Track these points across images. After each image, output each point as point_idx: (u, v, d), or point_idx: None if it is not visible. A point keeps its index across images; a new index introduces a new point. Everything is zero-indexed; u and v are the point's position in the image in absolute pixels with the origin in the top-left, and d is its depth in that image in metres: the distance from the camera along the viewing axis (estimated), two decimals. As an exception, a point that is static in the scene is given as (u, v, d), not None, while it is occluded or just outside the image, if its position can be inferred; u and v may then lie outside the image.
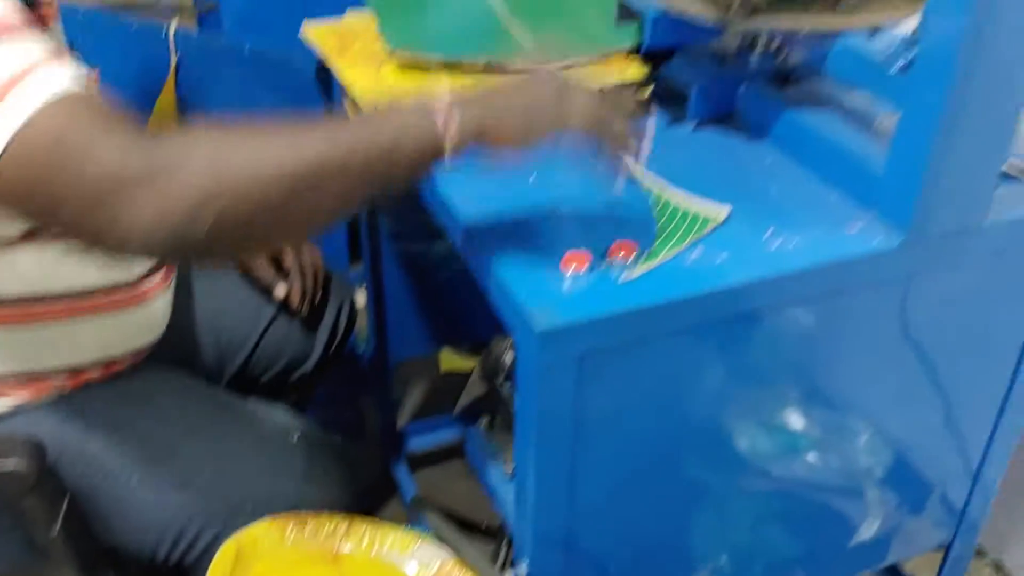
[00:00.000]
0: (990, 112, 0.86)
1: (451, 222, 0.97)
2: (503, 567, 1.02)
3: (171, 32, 1.32)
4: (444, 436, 1.79)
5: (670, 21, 1.04)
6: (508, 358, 1.12)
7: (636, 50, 1.15)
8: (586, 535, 0.97)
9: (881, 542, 1.24)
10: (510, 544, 1.06)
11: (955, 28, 0.80)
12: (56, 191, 0.70)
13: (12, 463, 0.91)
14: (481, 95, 0.80)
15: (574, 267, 0.85)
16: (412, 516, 1.49)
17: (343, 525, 1.01)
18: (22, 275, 0.96)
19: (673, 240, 0.90)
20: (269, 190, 0.71)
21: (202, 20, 2.06)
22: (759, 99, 1.08)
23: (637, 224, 0.92)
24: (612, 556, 1.03)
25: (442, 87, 0.80)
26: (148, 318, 1.08)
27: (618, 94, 0.87)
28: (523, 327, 0.82)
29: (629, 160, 0.89)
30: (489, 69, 1.12)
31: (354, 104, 1.09)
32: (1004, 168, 1.02)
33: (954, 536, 1.29)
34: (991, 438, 1.20)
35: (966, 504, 1.25)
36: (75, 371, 1.03)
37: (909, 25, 0.96)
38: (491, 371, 1.13)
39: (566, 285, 0.84)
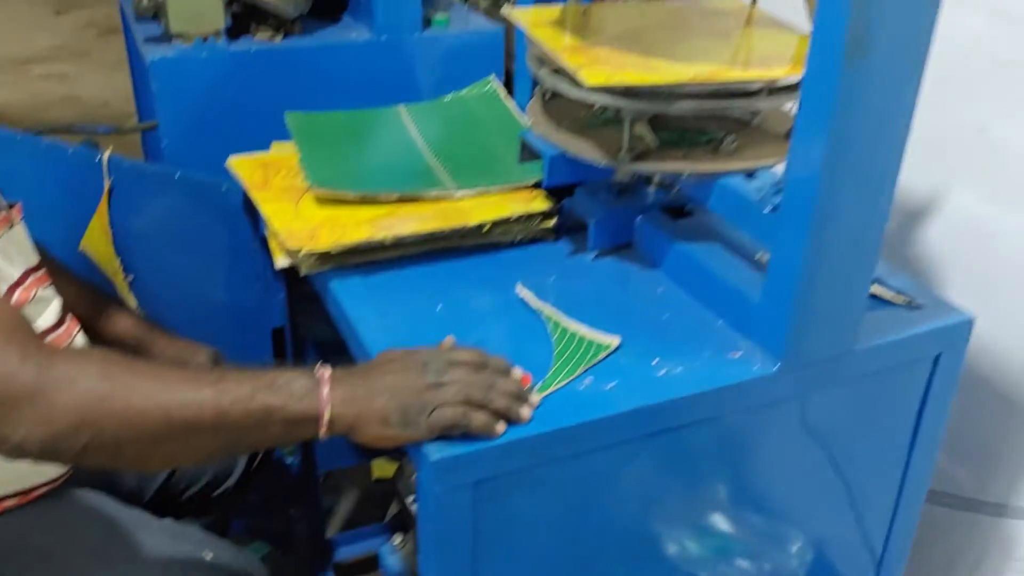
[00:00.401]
0: (848, 250, 0.95)
1: (359, 350, 1.03)
2: None
3: (105, 158, 1.38)
4: (373, 545, 1.80)
5: (566, 161, 1.13)
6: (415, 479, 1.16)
7: (540, 184, 1.23)
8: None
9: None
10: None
11: (810, 177, 0.89)
12: None
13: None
14: (360, 378, 0.86)
15: (470, 397, 0.91)
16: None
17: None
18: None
19: (567, 369, 0.97)
20: (143, 431, 0.79)
21: (144, 138, 2.14)
22: (653, 231, 1.17)
23: (532, 357, 0.99)
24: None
25: (323, 369, 0.86)
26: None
27: (497, 361, 0.92)
28: (419, 455, 0.88)
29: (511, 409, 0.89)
30: (403, 200, 1.20)
31: (275, 234, 1.15)
32: (878, 293, 1.11)
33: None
34: (889, 533, 1.25)
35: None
36: (-9, 500, 1.06)
37: (781, 169, 1.05)
38: (404, 489, 1.17)
39: (462, 415, 0.90)
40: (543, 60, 1.11)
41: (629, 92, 1.03)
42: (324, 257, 1.10)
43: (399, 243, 1.12)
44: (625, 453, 0.96)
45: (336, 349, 1.54)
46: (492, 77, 1.48)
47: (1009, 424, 1.52)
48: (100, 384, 0.78)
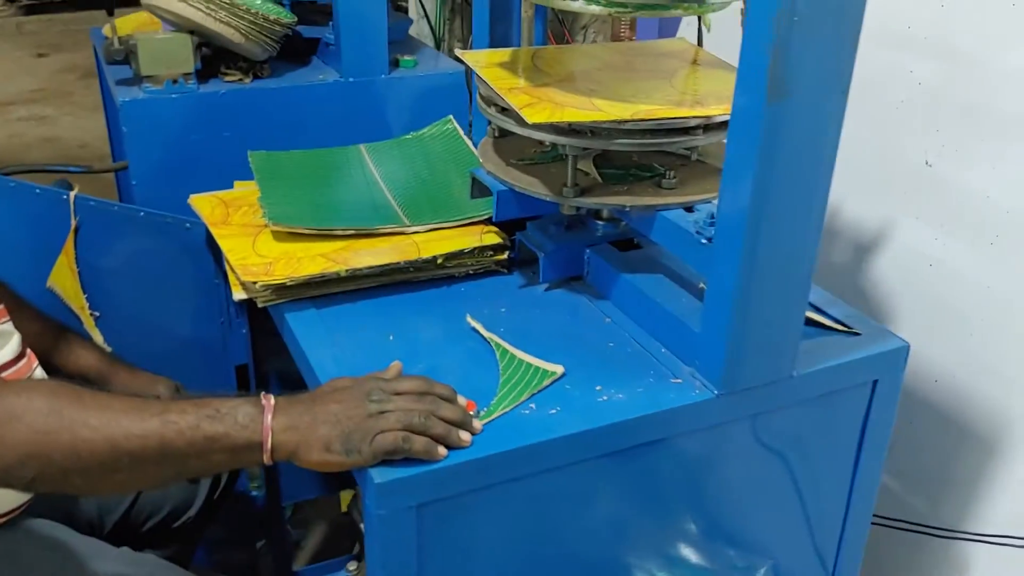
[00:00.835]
0: (780, 279, 0.99)
1: (310, 379, 1.06)
2: None
3: (71, 197, 1.41)
4: (340, 577, 1.82)
5: (515, 196, 1.17)
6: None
7: (491, 219, 1.27)
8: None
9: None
10: None
11: (739, 211, 0.94)
12: None
13: None
14: (305, 406, 0.90)
15: (415, 423, 0.94)
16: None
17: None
18: None
19: (512, 396, 1.00)
20: (90, 462, 0.82)
21: (118, 178, 2.18)
22: (601, 264, 1.21)
23: (479, 384, 1.02)
24: None
25: (268, 397, 0.89)
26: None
27: (442, 389, 0.95)
28: (365, 479, 0.90)
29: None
30: (359, 235, 1.23)
31: (232, 268, 1.19)
32: (818, 321, 1.15)
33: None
34: (838, 555, 1.27)
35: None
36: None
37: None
38: (358, 517, 1.20)
39: (406, 440, 0.93)
40: (491, 100, 1.16)
41: (571, 130, 1.08)
42: (280, 289, 1.13)
43: (354, 276, 1.16)
44: (568, 477, 0.99)
45: (300, 385, 1.57)
46: (451, 117, 1.52)
47: (959, 450, 1.56)
48: (47, 419, 0.81)
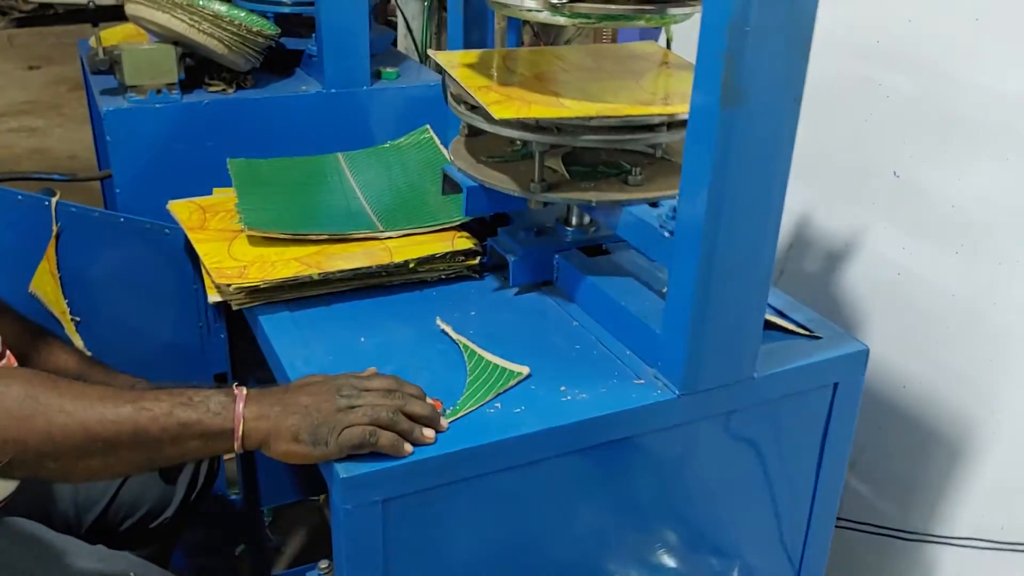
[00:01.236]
0: (738, 282, 1.02)
1: (282, 379, 1.08)
2: None
3: (53, 204, 1.44)
4: (318, 581, 1.83)
5: (484, 192, 1.20)
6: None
7: (465, 226, 1.30)
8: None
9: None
10: None
11: (696, 215, 0.96)
12: None
13: None
14: (276, 397, 0.93)
15: (382, 420, 0.96)
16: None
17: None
18: None
19: (478, 396, 1.03)
20: (64, 447, 0.85)
21: (103, 187, 2.21)
22: (570, 268, 1.23)
23: (447, 384, 1.04)
24: None
25: (240, 388, 0.92)
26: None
27: (411, 388, 0.98)
28: (331, 473, 0.93)
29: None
30: (332, 240, 1.26)
31: (207, 272, 1.21)
32: (779, 324, 1.18)
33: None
34: (802, 556, 1.29)
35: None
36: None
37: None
38: (328, 514, 1.21)
39: (372, 436, 0.95)
40: (460, 98, 1.19)
41: (538, 126, 1.11)
42: (253, 292, 1.16)
43: (327, 280, 1.19)
44: (531, 475, 1.01)
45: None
46: (427, 127, 1.55)
47: (927, 455, 1.59)
48: (23, 404, 0.83)
